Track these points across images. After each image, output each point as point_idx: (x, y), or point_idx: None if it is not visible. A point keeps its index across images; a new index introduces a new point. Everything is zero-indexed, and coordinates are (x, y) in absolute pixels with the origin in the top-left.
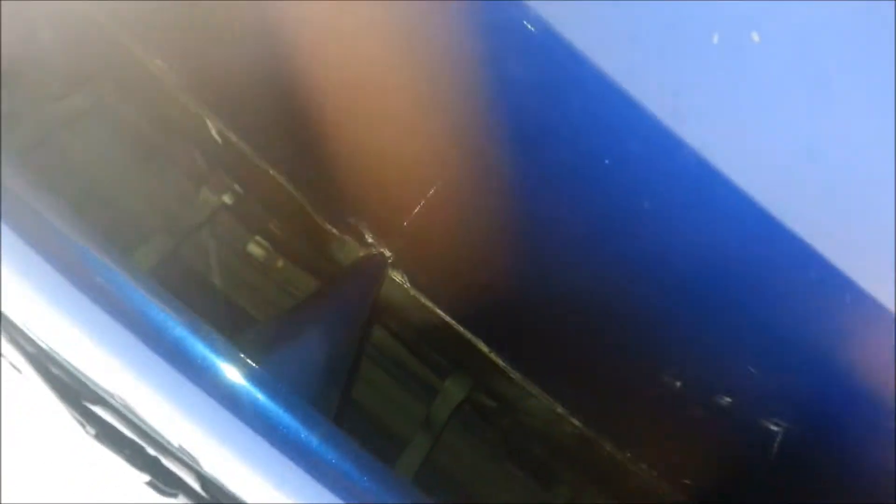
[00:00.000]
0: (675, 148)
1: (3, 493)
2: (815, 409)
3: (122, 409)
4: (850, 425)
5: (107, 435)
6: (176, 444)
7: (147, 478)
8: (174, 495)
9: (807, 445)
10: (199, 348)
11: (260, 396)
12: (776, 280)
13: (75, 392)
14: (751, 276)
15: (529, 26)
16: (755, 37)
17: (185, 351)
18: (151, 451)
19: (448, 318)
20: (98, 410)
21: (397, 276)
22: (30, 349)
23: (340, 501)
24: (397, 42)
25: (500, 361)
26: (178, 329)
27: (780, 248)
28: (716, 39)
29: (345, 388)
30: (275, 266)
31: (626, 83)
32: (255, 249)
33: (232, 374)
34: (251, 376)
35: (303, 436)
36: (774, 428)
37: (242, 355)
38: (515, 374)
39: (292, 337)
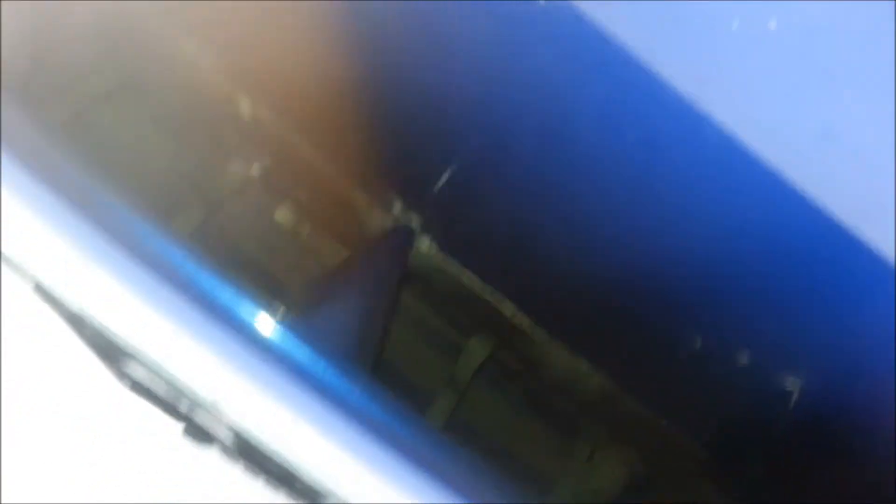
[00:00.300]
0: (698, 122)
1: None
2: (832, 368)
3: (156, 367)
4: (865, 383)
5: (141, 388)
6: (210, 400)
7: (182, 426)
8: (209, 443)
9: (823, 402)
10: (248, 309)
11: (303, 351)
12: (792, 243)
13: (110, 348)
14: (768, 240)
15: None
16: (772, 25)
17: (234, 313)
18: (185, 405)
19: (474, 281)
20: (133, 366)
21: (425, 242)
22: (63, 310)
23: (382, 449)
24: (422, 24)
25: (524, 322)
26: (226, 292)
27: (796, 213)
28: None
29: (377, 353)
30: (303, 233)
31: (650, 61)
32: (283, 217)
33: (276, 331)
34: (295, 333)
35: (345, 388)
36: (791, 385)
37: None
38: (540, 334)
39: (329, 300)
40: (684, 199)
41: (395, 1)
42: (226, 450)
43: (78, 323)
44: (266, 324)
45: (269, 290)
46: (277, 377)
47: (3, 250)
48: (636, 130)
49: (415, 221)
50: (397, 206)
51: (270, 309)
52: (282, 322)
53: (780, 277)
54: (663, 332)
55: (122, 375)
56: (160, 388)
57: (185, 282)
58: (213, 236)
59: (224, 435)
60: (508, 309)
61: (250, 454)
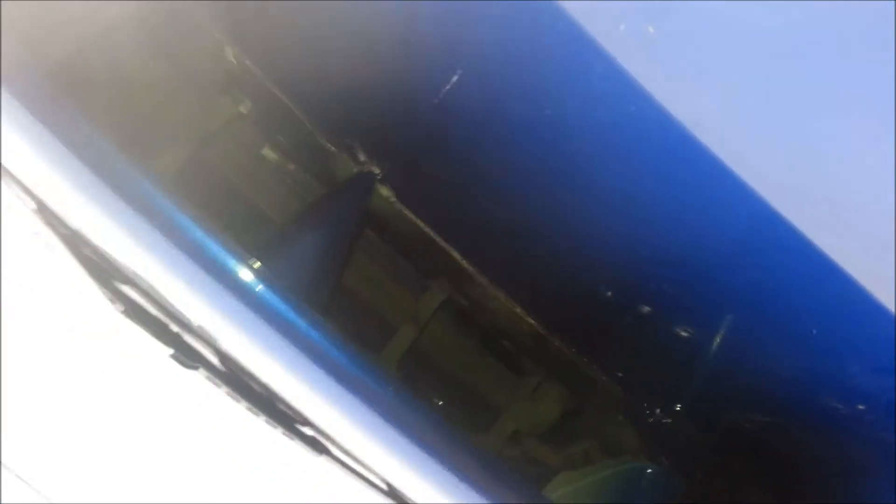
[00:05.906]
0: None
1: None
2: (721, 320)
3: (148, 290)
4: (741, 330)
5: (134, 312)
6: (196, 325)
7: (171, 351)
8: (195, 368)
9: (715, 348)
10: (218, 251)
11: (262, 289)
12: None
13: (106, 272)
14: (674, 210)
15: None
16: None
17: (205, 252)
18: (174, 328)
19: (427, 229)
20: (126, 290)
21: (385, 191)
22: (63, 231)
23: (321, 371)
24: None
25: (469, 268)
26: (199, 233)
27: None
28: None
29: (337, 281)
30: (287, 169)
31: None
32: (269, 153)
33: (240, 272)
34: (257, 275)
35: (293, 320)
36: (685, 334)
37: (251, 258)
38: (482, 280)
39: (293, 242)
40: (612, 172)
41: None
42: (211, 374)
43: (75, 243)
44: (242, 270)
45: (254, 222)
46: (239, 311)
47: (9, 170)
48: (575, 99)
49: (376, 171)
50: (362, 156)
51: (245, 257)
52: (254, 270)
53: (672, 246)
54: (581, 284)
55: (115, 299)
56: (151, 309)
57: (171, 225)
58: (204, 170)
59: (210, 357)
60: (457, 254)
61: (233, 378)
